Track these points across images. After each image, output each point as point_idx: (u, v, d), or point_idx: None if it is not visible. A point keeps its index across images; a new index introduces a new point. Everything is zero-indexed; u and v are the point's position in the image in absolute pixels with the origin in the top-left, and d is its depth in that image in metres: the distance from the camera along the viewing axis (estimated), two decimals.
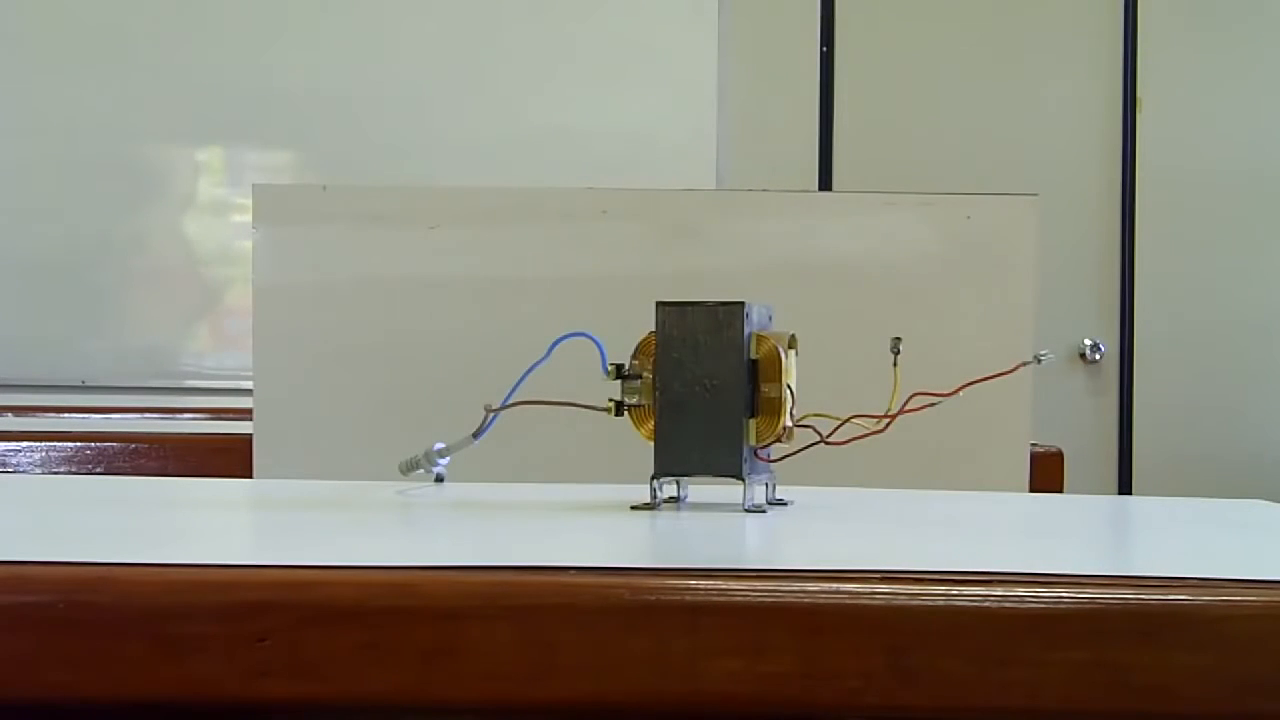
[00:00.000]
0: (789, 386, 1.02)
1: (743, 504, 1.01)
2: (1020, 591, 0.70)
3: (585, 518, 1.00)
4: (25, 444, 1.91)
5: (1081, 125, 3.77)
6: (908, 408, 1.04)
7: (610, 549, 0.87)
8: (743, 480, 1.01)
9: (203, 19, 3.72)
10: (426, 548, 0.90)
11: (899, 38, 3.74)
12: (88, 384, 3.63)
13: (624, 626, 0.69)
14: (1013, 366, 1.07)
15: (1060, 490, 1.80)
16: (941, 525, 1.03)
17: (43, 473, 1.89)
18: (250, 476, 1.65)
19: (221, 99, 3.71)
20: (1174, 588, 0.70)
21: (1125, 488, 3.71)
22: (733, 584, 0.70)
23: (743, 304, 1.02)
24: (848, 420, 1.04)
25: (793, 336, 1.04)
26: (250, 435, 1.70)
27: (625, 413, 1.04)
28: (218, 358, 3.72)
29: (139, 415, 2.62)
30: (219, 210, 3.78)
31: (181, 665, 0.69)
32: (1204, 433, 3.74)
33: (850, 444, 1.04)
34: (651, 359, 1.03)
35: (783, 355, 1.02)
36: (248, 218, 1.76)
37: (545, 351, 1.07)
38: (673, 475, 1.03)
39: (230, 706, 0.70)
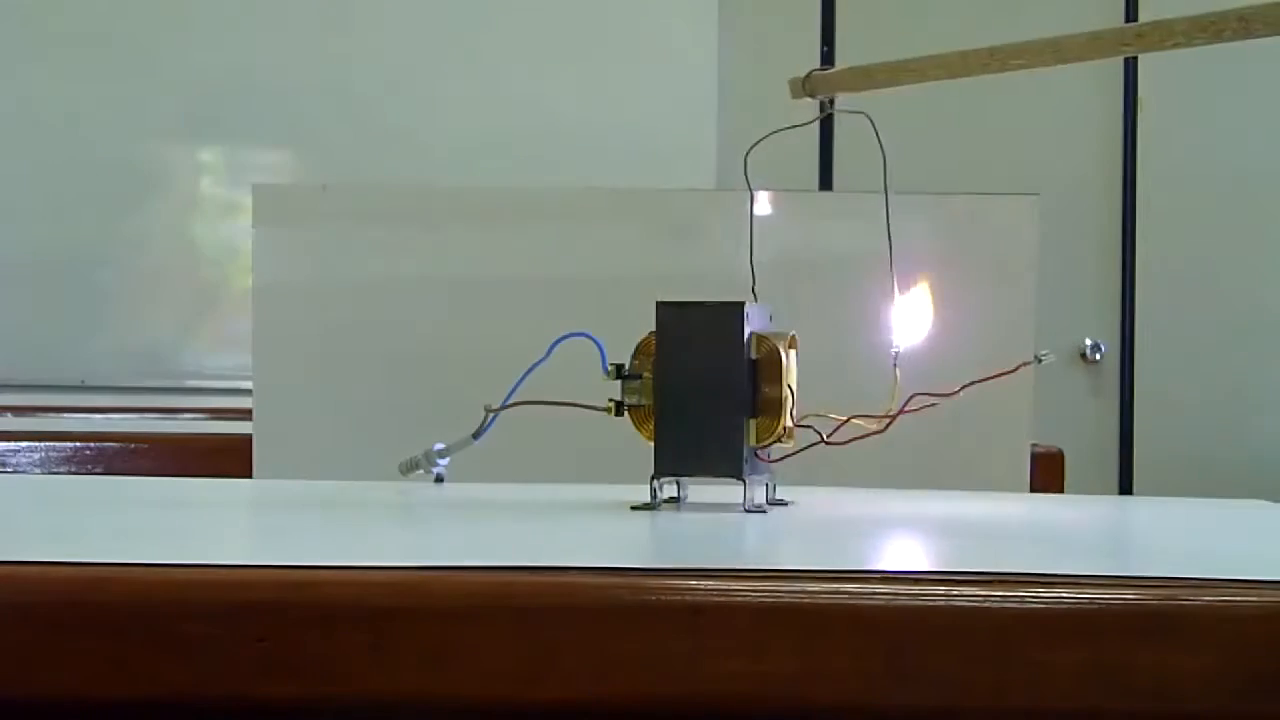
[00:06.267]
0: (789, 386, 1.02)
1: (743, 504, 1.01)
2: (1020, 591, 0.70)
3: (585, 518, 1.00)
4: (25, 444, 1.91)
5: (1081, 125, 3.77)
6: (908, 408, 1.04)
7: (610, 549, 0.87)
8: (743, 480, 1.01)
9: (203, 18, 3.72)
10: (426, 548, 0.90)
11: (899, 38, 3.74)
12: (88, 384, 3.63)
13: (624, 626, 0.69)
14: (1013, 366, 1.07)
15: (1061, 490, 1.80)
16: (941, 525, 1.03)
17: (43, 473, 1.89)
18: (250, 476, 1.65)
19: (221, 99, 3.71)
20: (1174, 588, 0.70)
21: (1125, 488, 3.71)
22: (733, 584, 0.70)
23: (743, 304, 1.02)
24: (848, 420, 1.04)
25: (793, 336, 1.04)
26: (250, 435, 1.70)
27: (625, 413, 1.04)
28: (218, 358, 3.72)
29: (139, 415, 2.62)
30: (219, 210, 3.77)
31: (181, 665, 0.69)
32: (1204, 433, 3.74)
33: (850, 444, 1.04)
34: (651, 359, 1.03)
35: (783, 355, 1.02)
36: (248, 218, 1.76)
37: (545, 351, 1.07)
38: (673, 475, 1.03)
39: (230, 706, 0.70)
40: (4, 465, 1.90)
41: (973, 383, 1.05)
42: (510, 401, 1.08)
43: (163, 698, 0.70)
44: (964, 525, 1.04)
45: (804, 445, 1.04)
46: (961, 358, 1.09)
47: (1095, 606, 0.69)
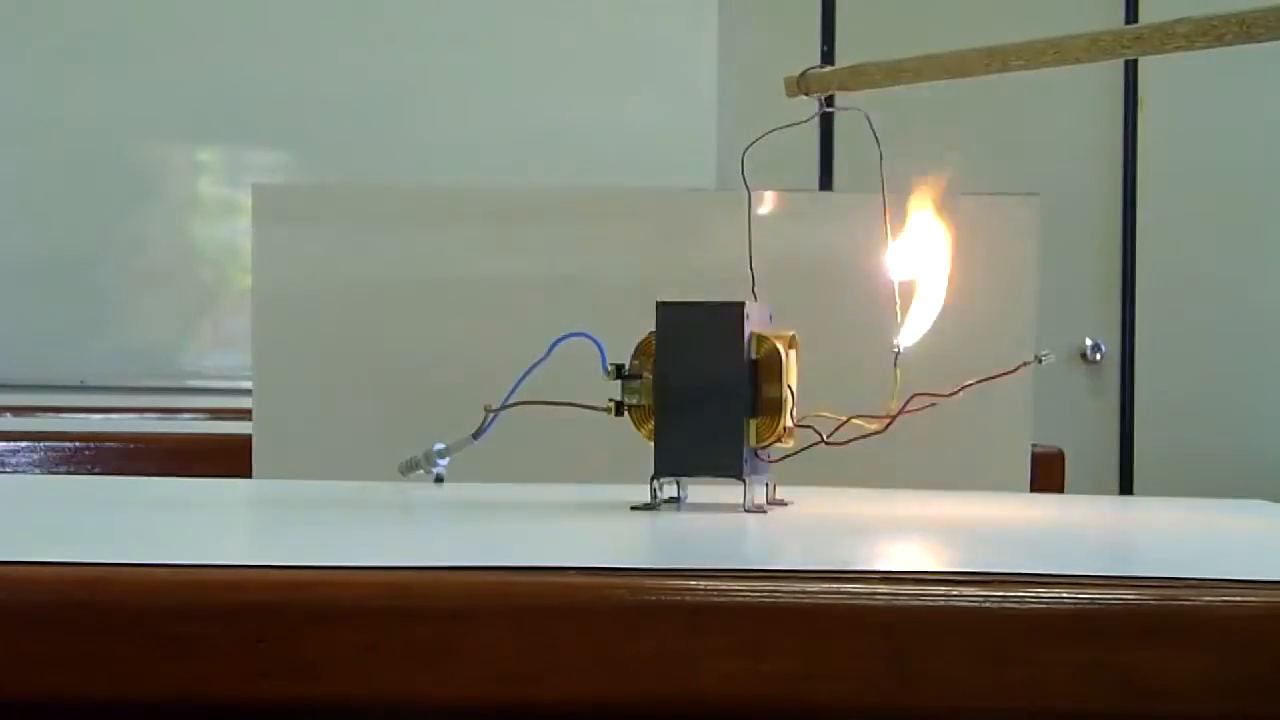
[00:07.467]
0: (789, 386, 1.02)
1: (743, 504, 1.01)
2: (1020, 591, 0.70)
3: (585, 518, 1.00)
4: (24, 444, 1.91)
5: (1081, 125, 3.76)
6: (908, 408, 1.04)
7: (610, 549, 0.87)
8: (743, 480, 1.01)
9: (202, 19, 3.72)
10: (426, 548, 0.90)
11: (899, 38, 3.74)
12: (87, 384, 3.62)
13: (624, 626, 0.69)
14: (1013, 367, 1.07)
15: (1061, 490, 1.80)
16: (941, 525, 1.03)
17: (42, 473, 1.89)
18: (250, 476, 1.65)
19: (221, 99, 3.70)
20: (1174, 588, 0.70)
21: (1126, 488, 3.70)
22: (733, 584, 0.70)
23: (743, 304, 1.02)
24: (848, 420, 1.04)
25: (793, 336, 1.04)
26: (250, 435, 1.69)
27: (625, 413, 1.04)
28: (218, 358, 3.71)
29: (138, 415, 2.62)
30: (219, 210, 3.77)
31: (181, 665, 0.69)
32: (1204, 433, 3.73)
33: (850, 444, 1.04)
34: (651, 359, 1.03)
35: (783, 355, 1.02)
36: (248, 218, 1.76)
37: (545, 351, 1.07)
38: (673, 475, 1.03)
39: (230, 707, 0.70)
40: (4, 465, 1.89)
41: (973, 383, 1.05)
42: (510, 401, 1.08)
43: (162, 698, 0.70)
44: (964, 525, 1.04)
45: (804, 445, 1.04)
46: (961, 358, 1.09)
47: (1095, 606, 0.69)
